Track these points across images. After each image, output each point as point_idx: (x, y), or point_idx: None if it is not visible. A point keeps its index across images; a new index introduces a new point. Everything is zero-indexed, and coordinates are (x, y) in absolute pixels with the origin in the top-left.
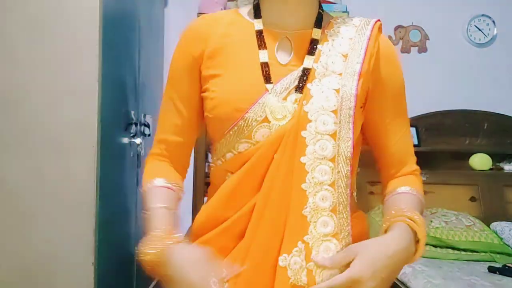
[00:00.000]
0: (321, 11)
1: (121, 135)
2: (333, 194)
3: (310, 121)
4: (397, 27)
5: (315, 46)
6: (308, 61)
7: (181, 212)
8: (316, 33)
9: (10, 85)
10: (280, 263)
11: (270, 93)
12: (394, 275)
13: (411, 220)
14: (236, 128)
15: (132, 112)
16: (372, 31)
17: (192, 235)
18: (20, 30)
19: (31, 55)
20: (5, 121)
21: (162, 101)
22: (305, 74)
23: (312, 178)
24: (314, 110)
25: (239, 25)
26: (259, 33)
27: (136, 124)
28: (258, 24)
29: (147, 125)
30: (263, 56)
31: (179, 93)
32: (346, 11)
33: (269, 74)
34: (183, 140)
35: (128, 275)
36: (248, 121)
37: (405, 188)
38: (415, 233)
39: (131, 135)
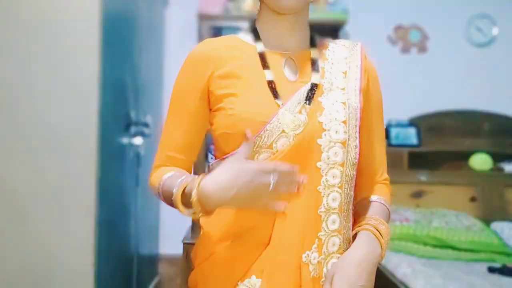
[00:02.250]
0: (312, 34)
1: (121, 135)
2: (341, 195)
3: (325, 130)
4: (397, 27)
5: (317, 64)
6: (316, 77)
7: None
8: (314, 53)
9: (10, 85)
10: (303, 259)
11: (282, 108)
12: (370, 277)
13: (375, 228)
14: (258, 139)
15: (132, 112)
16: (361, 51)
17: (206, 244)
18: (20, 30)
19: (31, 55)
20: (5, 121)
21: (167, 119)
22: (313, 89)
23: (326, 181)
24: (328, 120)
25: (242, 49)
26: (262, 55)
27: (136, 124)
28: (260, 46)
29: (147, 125)
30: (269, 75)
31: (186, 113)
32: (346, 11)
33: (276, 91)
34: (186, 158)
35: (128, 275)
36: (269, 132)
37: (375, 197)
38: (379, 237)
39: (131, 135)
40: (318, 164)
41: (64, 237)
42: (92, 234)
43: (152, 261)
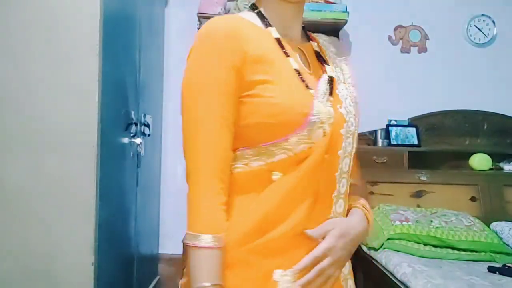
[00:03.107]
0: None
1: (121, 135)
2: (347, 181)
3: (345, 121)
4: (397, 27)
5: (324, 57)
6: (330, 70)
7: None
8: (316, 46)
9: (10, 85)
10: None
11: (316, 99)
12: (354, 249)
13: (366, 210)
14: (300, 131)
15: (132, 112)
16: (342, 46)
17: (245, 237)
18: (20, 30)
19: (31, 55)
20: (5, 121)
21: (204, 113)
22: (332, 81)
23: (341, 168)
24: (346, 112)
25: (259, 32)
26: (279, 41)
27: (136, 124)
28: (274, 33)
29: (147, 125)
30: (294, 63)
31: (227, 101)
32: (346, 11)
33: (306, 81)
34: (231, 153)
35: (128, 275)
36: (310, 124)
37: (355, 180)
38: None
39: (131, 135)
40: (339, 152)
41: (64, 237)
42: (92, 234)
43: (152, 261)
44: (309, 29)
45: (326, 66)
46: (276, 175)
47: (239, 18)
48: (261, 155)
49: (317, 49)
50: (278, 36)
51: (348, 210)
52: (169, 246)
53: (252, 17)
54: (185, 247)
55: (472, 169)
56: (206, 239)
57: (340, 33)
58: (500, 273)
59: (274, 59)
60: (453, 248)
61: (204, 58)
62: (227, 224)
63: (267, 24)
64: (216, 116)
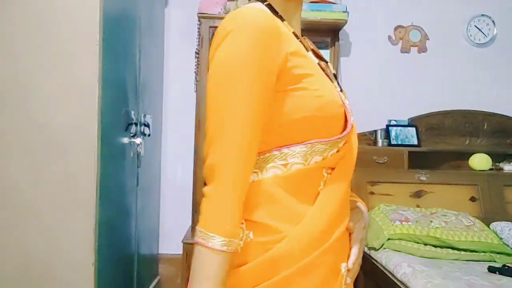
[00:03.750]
0: None
1: (121, 135)
2: None
3: (351, 114)
4: (397, 27)
5: (322, 55)
6: (331, 67)
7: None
8: (312, 44)
9: (10, 85)
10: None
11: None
12: None
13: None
14: (349, 125)
15: (132, 112)
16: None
17: (320, 238)
18: (20, 30)
19: (31, 55)
20: (5, 121)
21: (243, 105)
22: (336, 77)
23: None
24: (349, 105)
25: (283, 26)
26: (296, 36)
27: (136, 124)
28: (290, 27)
29: (147, 125)
30: (314, 58)
31: (266, 96)
32: (346, 11)
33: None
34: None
35: (128, 275)
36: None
37: None
38: None
39: (131, 135)
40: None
41: (64, 237)
42: (92, 234)
43: (152, 261)
44: (309, 29)
45: (329, 64)
46: (327, 171)
47: (265, 12)
48: (319, 150)
49: (312, 47)
50: (293, 30)
51: None
52: (169, 246)
53: (265, 9)
54: (186, 247)
55: (472, 169)
56: (217, 242)
57: (340, 33)
58: (500, 273)
59: (305, 53)
60: (453, 248)
61: (248, 50)
62: (298, 226)
63: (280, 18)
64: (259, 110)
